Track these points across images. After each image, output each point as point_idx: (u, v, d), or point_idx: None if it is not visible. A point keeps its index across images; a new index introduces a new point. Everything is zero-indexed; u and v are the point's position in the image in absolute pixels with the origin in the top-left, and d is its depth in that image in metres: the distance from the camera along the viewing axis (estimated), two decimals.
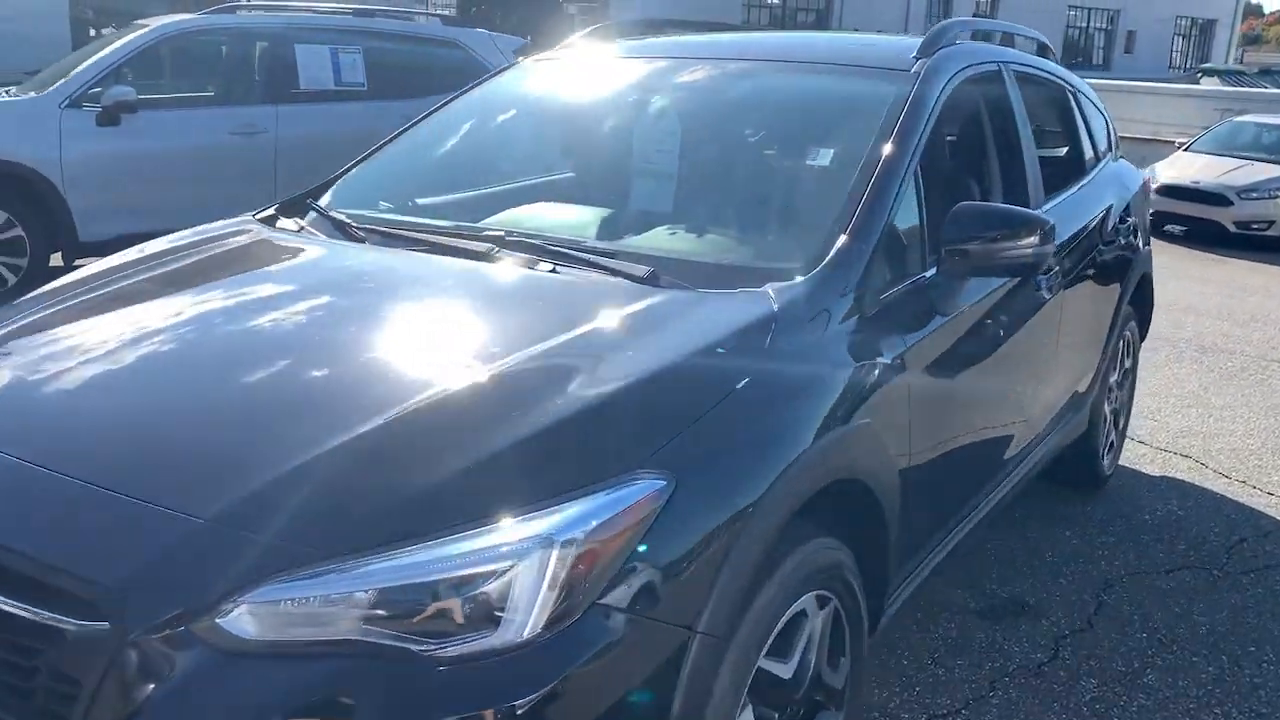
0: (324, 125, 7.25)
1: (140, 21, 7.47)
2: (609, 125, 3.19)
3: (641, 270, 2.33)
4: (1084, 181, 3.96)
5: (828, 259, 2.35)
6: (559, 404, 1.81)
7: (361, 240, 2.72)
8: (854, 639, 2.29)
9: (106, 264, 2.80)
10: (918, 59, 2.95)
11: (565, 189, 3.11)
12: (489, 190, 3.16)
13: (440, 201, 3.14)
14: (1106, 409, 4.31)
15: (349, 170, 3.31)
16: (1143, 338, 4.76)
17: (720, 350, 2.03)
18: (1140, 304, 4.53)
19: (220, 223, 2.99)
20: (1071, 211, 3.65)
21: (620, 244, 2.60)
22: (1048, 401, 3.52)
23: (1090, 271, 3.76)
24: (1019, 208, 2.59)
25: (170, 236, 2.98)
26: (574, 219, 2.80)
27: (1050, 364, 3.43)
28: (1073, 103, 4.12)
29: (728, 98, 3.09)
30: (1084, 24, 34.10)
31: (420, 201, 3.14)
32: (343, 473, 1.70)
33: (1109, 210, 3.99)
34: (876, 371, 2.30)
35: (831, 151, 2.71)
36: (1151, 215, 11.49)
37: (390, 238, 2.69)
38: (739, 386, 1.96)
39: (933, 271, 2.60)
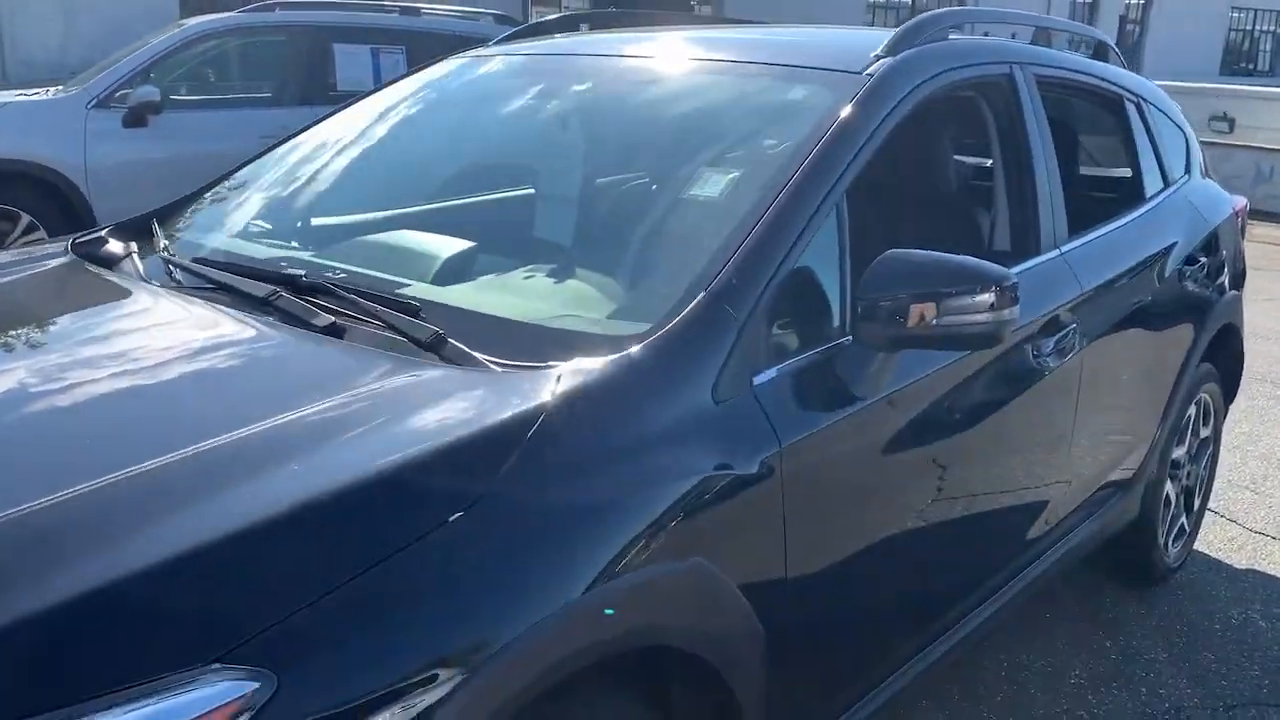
0: None
1: (180, 21, 7.27)
2: (494, 143, 2.63)
3: (426, 333, 1.77)
4: (1139, 211, 3.18)
5: (673, 325, 1.74)
6: (127, 551, 1.23)
7: (171, 279, 2.23)
8: None
9: None
10: (877, 59, 2.29)
11: (445, 212, 2.57)
12: (365, 215, 2.63)
13: (323, 224, 2.64)
14: (1170, 490, 3.51)
15: (225, 180, 2.84)
16: (1229, 400, 3.92)
17: (437, 467, 1.44)
18: (1223, 360, 3.69)
19: (33, 248, 2.54)
20: (1109, 250, 2.89)
21: (447, 291, 2.04)
22: (1061, 493, 2.77)
23: (1138, 324, 2.99)
24: (969, 258, 1.91)
25: None
26: (426, 251, 2.24)
27: (1063, 446, 2.68)
28: (1134, 115, 3.33)
29: (629, 109, 2.46)
30: (1248, 26, 31.56)
31: (314, 222, 2.65)
32: None
33: (1172, 247, 3.20)
34: (724, 484, 1.67)
35: (725, 179, 2.07)
36: None
37: (195, 277, 2.20)
38: (450, 520, 1.36)
39: (850, 339, 1.95)
